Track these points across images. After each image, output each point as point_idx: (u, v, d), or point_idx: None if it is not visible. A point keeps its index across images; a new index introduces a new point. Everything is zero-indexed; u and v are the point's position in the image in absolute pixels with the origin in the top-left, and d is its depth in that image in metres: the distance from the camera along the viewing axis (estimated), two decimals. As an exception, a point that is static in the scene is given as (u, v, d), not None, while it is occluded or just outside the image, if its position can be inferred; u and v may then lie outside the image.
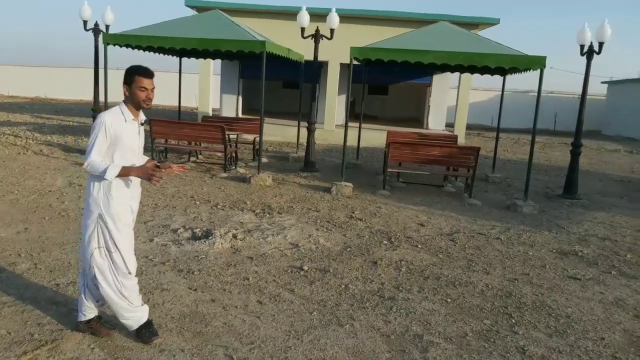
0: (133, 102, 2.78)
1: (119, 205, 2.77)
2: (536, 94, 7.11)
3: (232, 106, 16.05)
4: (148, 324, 2.96)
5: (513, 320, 3.58)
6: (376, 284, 4.09)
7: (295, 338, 3.14)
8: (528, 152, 7.39)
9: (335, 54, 13.15)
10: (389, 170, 7.92)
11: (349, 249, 4.91)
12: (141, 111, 2.88)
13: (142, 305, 2.96)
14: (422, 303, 3.78)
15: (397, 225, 5.87)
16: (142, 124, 2.89)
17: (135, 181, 2.86)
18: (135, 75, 2.74)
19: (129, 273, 2.85)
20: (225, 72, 16.09)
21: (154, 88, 2.80)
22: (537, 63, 7.03)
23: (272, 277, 4.10)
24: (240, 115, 15.85)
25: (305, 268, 4.30)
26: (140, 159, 2.90)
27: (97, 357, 2.78)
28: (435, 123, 16.24)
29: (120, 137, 2.73)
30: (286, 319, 3.39)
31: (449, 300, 3.86)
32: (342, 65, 14.57)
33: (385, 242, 5.22)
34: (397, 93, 20.00)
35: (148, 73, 2.77)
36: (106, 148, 2.72)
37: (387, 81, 17.37)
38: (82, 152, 9.64)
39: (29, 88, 29.06)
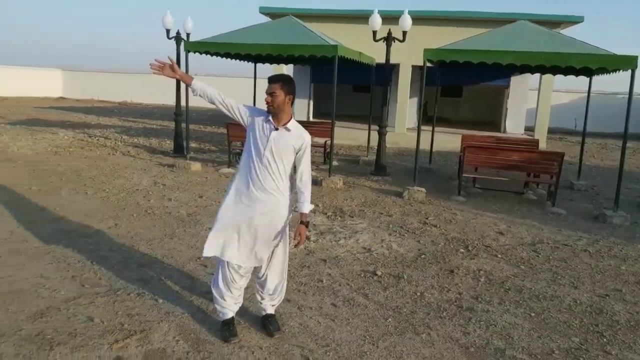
0: None
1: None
2: (626, 96, 6.58)
3: (303, 110, 16.31)
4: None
5: (605, 340, 3.31)
6: (453, 294, 3.95)
7: (371, 343, 3.10)
8: (616, 159, 6.90)
9: (407, 56, 12.96)
10: (464, 175, 7.67)
11: (423, 256, 4.79)
12: (293, 120, 2.94)
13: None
14: (504, 316, 3.60)
15: (474, 233, 5.66)
16: (276, 129, 2.88)
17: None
18: None
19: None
20: (296, 77, 16.37)
21: (273, 92, 2.83)
22: (627, 63, 6.50)
23: (346, 280, 4.09)
24: (311, 119, 16.09)
25: (379, 273, 4.26)
26: (265, 163, 2.88)
27: (182, 349, 2.91)
28: (513, 127, 15.50)
29: (248, 132, 2.95)
30: (361, 323, 3.36)
31: (532, 314, 3.65)
32: (413, 67, 14.33)
33: (461, 250, 5.04)
34: (472, 95, 19.34)
35: (269, 78, 2.90)
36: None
37: (462, 83, 16.85)
38: (165, 153, 10.21)
39: (117, 93, 31.27)
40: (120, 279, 3.87)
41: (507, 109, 15.64)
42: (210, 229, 3.02)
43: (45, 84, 33.54)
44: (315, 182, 7.86)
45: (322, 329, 3.24)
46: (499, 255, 4.92)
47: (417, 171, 7.62)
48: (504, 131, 15.39)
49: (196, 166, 8.68)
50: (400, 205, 6.80)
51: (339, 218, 5.98)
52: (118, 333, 3.05)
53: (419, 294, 3.91)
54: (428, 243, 5.21)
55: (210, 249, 2.97)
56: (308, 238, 5.08)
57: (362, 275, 4.21)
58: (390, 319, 3.44)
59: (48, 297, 3.52)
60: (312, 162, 9.63)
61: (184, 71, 9.02)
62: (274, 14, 14.09)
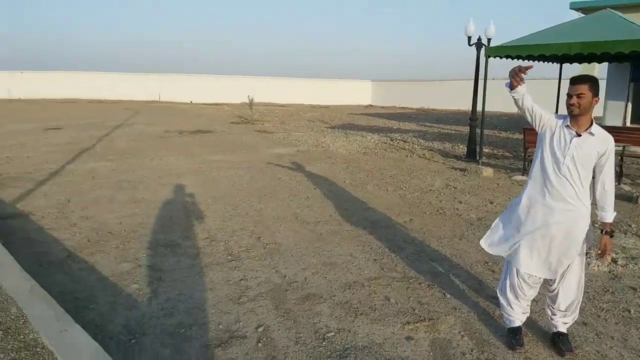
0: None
1: None
2: None
3: (618, 114, 14.00)
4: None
5: None
6: None
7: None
8: None
9: None
10: None
11: None
12: (595, 124, 2.75)
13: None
14: None
15: None
16: (578, 135, 2.72)
17: None
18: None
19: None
20: (612, 77, 14.18)
21: (580, 94, 2.67)
22: None
23: (664, 317, 3.43)
24: (628, 124, 13.68)
25: None
26: (564, 172, 2.72)
27: (466, 345, 3.04)
28: None
29: (542, 139, 2.86)
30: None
31: None
32: None
33: None
34: None
35: (574, 79, 2.74)
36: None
37: None
38: (458, 157, 10.49)
39: (415, 100, 33.55)
40: (413, 269, 4.27)
41: None
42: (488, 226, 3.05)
43: (357, 93, 38.73)
44: (630, 199, 6.73)
45: (625, 364, 2.85)
46: None
47: None
48: None
49: (488, 172, 8.62)
50: None
51: (660, 243, 4.99)
52: (409, 316, 3.41)
53: None
54: None
55: (493, 247, 3.04)
56: (614, 261, 4.45)
57: (689, 316, 3.45)
58: None
59: (355, 273, 4.19)
60: (627, 175, 8.27)
61: (485, 76, 9.10)
62: (587, 9, 12.59)
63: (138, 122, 17.71)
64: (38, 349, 2.64)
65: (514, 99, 2.82)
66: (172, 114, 22.45)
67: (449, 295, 3.73)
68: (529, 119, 2.90)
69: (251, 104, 21.49)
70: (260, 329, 3.20)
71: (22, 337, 2.74)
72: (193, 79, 36.94)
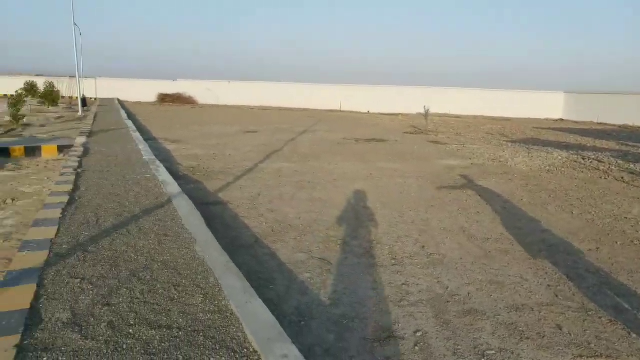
0: None
1: None
2: None
3: None
4: None
5: None
6: None
7: None
8: None
9: None
10: None
11: None
12: None
13: None
14: None
15: None
16: None
17: None
18: None
19: None
20: None
21: None
22: None
23: None
24: None
25: None
26: None
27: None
28: None
29: None
30: None
31: None
32: None
33: None
34: None
35: None
36: None
37: None
38: (667, 183, 8.93)
39: (617, 116, 29.26)
40: (593, 301, 3.85)
41: None
42: None
43: (546, 106, 35.44)
44: None
45: None
46: None
47: None
48: None
49: None
50: None
51: None
52: (584, 349, 3.11)
53: None
54: None
55: None
56: None
57: None
58: None
59: (524, 296, 3.95)
60: None
61: None
62: None
63: (320, 129, 19.10)
64: (227, 314, 3.14)
65: None
66: (350, 122, 23.63)
67: (634, 335, 3.28)
68: None
69: (427, 114, 21.39)
70: (418, 334, 3.27)
71: (217, 302, 3.29)
72: (370, 90, 38.31)
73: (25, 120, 15.87)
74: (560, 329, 3.38)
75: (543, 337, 3.28)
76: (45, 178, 7.53)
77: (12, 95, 19.34)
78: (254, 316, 3.07)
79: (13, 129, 13.75)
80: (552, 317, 3.56)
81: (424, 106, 21.80)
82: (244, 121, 21.64)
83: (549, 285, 4.15)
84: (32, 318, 2.93)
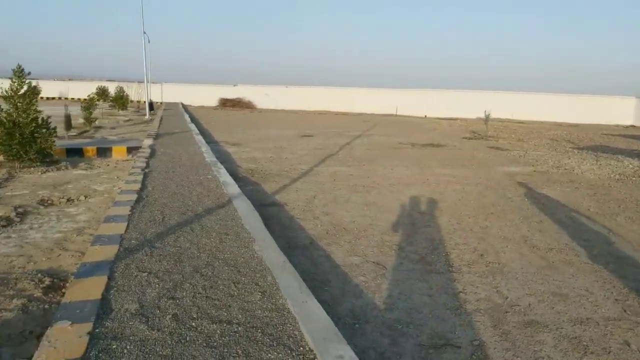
0: None
1: None
2: None
3: None
4: None
5: None
6: None
7: None
8: None
9: None
10: None
11: None
12: None
13: None
14: None
15: None
16: None
17: None
18: None
19: None
20: None
21: None
22: None
23: None
24: None
25: None
26: None
27: None
28: None
29: None
30: None
31: None
32: None
33: None
34: None
35: None
36: None
37: None
38: None
39: (700, 121, 27.09)
40: (668, 319, 3.61)
41: None
42: None
43: (616, 111, 33.47)
44: None
45: None
46: None
47: None
48: None
49: None
50: None
51: None
52: (656, 369, 2.93)
53: None
54: None
55: None
56: None
57: None
58: None
59: (589, 309, 3.77)
60: None
61: None
62: None
63: (375, 133, 19.04)
64: (284, 313, 3.22)
65: None
66: (406, 127, 23.38)
67: None
68: None
69: (487, 119, 20.77)
70: (475, 343, 3.21)
71: (274, 300, 3.39)
72: (428, 94, 37.68)
73: (97, 122, 16.97)
74: (629, 345, 3.20)
75: (609, 352, 3.12)
76: (115, 177, 8.02)
77: (84, 100, 20.73)
78: (310, 316, 3.13)
79: (86, 131, 14.74)
80: (619, 333, 3.38)
81: (484, 110, 21.17)
82: (300, 125, 21.96)
83: (616, 299, 3.94)
84: (103, 308, 3.14)
